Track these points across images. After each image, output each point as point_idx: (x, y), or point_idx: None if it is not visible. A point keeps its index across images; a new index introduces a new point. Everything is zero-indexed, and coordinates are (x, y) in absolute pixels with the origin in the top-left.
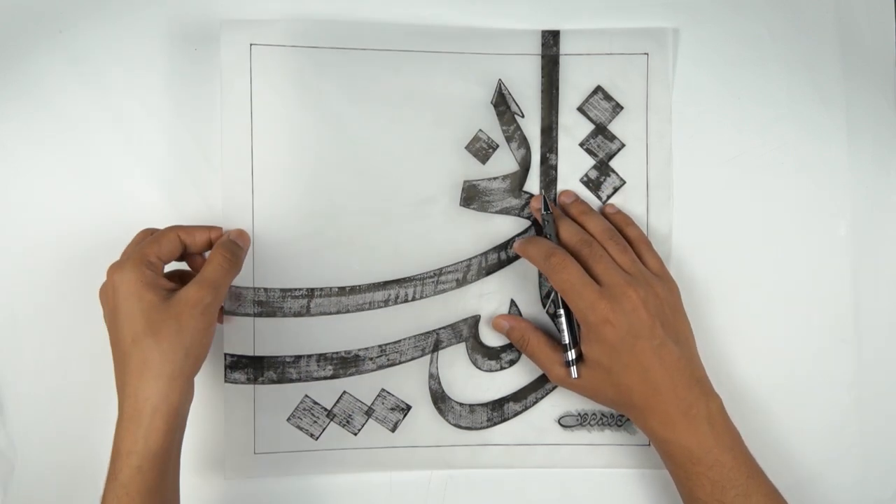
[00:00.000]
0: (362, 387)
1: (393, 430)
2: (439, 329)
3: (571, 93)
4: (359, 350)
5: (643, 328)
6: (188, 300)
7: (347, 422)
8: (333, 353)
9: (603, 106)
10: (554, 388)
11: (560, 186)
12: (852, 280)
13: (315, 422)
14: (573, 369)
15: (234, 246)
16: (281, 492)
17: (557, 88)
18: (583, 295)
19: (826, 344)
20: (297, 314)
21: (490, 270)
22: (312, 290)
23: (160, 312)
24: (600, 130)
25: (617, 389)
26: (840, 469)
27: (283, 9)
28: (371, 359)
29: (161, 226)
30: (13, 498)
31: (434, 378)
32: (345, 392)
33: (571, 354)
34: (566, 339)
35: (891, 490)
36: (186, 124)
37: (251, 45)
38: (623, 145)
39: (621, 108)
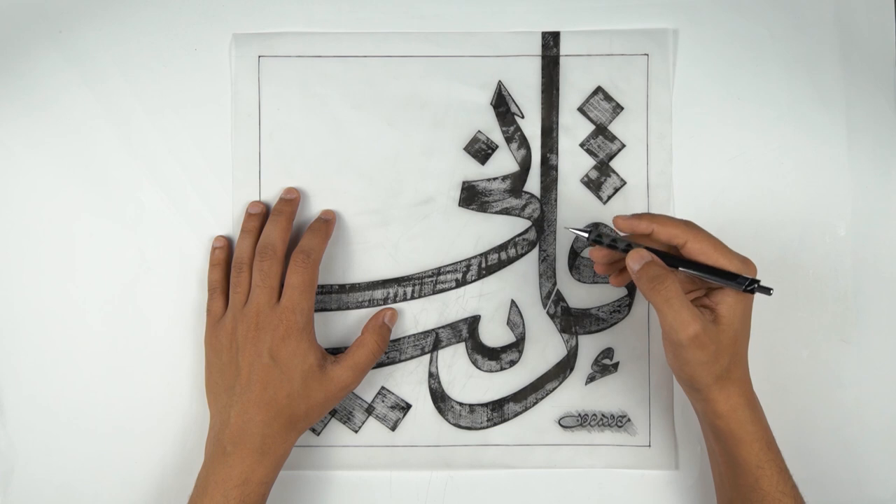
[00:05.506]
0: (363, 383)
1: (393, 428)
2: (438, 328)
3: (572, 93)
4: None
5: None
6: (341, 382)
7: (348, 418)
8: (334, 348)
9: (603, 106)
10: (554, 388)
11: (560, 187)
12: (852, 280)
13: None
14: (762, 289)
15: (386, 332)
16: (283, 487)
17: (558, 89)
18: (734, 255)
19: (826, 344)
20: None
21: (490, 270)
22: None
23: (316, 381)
24: (601, 131)
25: (730, 355)
26: (840, 469)
27: (284, 12)
28: None
29: (160, 225)
30: (13, 498)
31: (434, 377)
32: None
33: (746, 280)
34: (727, 280)
35: (891, 490)
36: (187, 124)
37: (259, 56)
38: (623, 146)
39: (622, 108)
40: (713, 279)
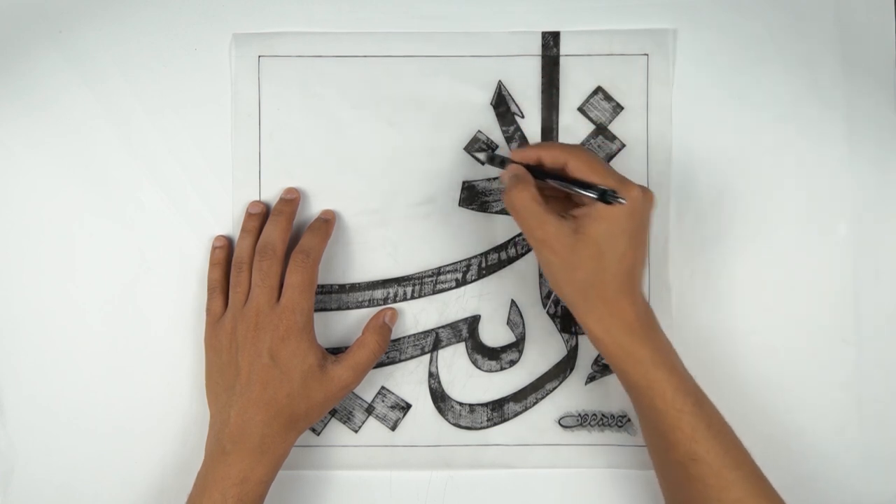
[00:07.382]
0: (363, 383)
1: (393, 428)
2: (438, 328)
3: (572, 93)
4: None
5: (647, 226)
6: (341, 382)
7: (348, 418)
8: (334, 348)
9: (603, 106)
10: (554, 388)
11: None
12: (852, 280)
13: None
14: (613, 199)
15: (387, 331)
16: (283, 487)
17: (558, 89)
18: (612, 176)
19: (826, 344)
20: None
21: (490, 270)
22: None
23: (316, 381)
24: (601, 131)
25: (592, 270)
26: (840, 469)
27: (284, 12)
28: None
29: (160, 225)
30: (13, 498)
31: (434, 377)
32: None
33: (599, 191)
34: (581, 190)
35: (891, 490)
36: (187, 124)
37: (259, 56)
38: (623, 146)
39: (622, 108)
40: (574, 190)
